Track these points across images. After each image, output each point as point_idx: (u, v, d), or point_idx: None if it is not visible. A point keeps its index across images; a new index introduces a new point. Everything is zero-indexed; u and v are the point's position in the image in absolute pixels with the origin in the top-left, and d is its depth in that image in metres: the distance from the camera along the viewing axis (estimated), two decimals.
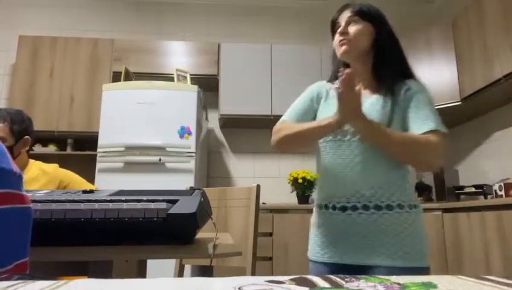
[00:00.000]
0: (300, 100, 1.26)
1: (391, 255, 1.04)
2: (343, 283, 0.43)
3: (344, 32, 1.15)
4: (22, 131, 1.69)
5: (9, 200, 0.60)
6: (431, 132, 1.05)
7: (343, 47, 1.15)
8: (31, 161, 1.79)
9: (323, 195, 1.17)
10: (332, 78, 1.26)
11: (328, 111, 1.14)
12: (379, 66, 1.16)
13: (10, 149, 1.64)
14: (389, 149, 1.06)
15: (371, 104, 1.11)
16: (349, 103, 0.99)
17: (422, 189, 3.24)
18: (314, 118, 1.21)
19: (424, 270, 1.05)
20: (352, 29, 1.15)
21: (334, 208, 1.12)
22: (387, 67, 1.15)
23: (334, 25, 1.21)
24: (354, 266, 1.08)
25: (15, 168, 0.63)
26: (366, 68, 1.17)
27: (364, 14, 1.16)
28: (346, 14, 1.17)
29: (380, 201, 1.07)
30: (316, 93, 1.24)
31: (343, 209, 1.10)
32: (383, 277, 0.46)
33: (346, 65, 1.20)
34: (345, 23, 1.16)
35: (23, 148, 1.72)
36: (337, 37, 1.17)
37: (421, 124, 1.06)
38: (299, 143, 1.19)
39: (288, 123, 1.21)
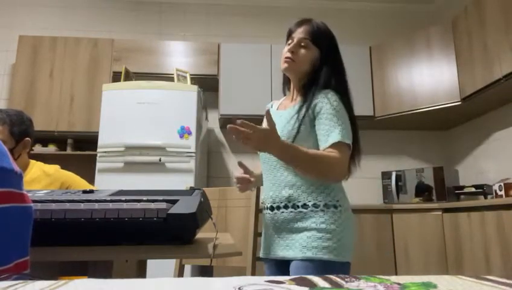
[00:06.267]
0: None
1: (304, 247, 1.14)
2: (343, 283, 0.43)
3: (293, 52, 1.26)
4: (22, 133, 1.68)
5: (10, 199, 0.60)
6: (334, 145, 1.14)
7: (285, 64, 1.27)
8: (32, 161, 1.79)
9: (261, 198, 1.32)
10: (285, 86, 1.41)
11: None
12: (310, 83, 1.27)
13: (10, 151, 1.64)
14: (299, 169, 1.17)
15: (285, 117, 1.25)
16: (253, 142, 1.08)
17: (422, 189, 3.24)
18: None
19: (344, 265, 1.14)
20: (300, 52, 1.26)
21: (266, 208, 1.26)
22: (316, 84, 1.26)
23: (289, 35, 1.31)
24: (278, 261, 1.22)
25: (16, 167, 0.64)
26: (299, 83, 1.30)
27: (316, 39, 1.26)
28: (301, 33, 1.27)
29: (297, 201, 1.19)
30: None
31: (271, 209, 1.24)
32: (383, 277, 0.46)
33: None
34: (297, 42, 1.26)
35: (24, 149, 1.71)
36: (285, 51, 1.28)
37: (325, 138, 1.17)
38: None
39: None
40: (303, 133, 1.19)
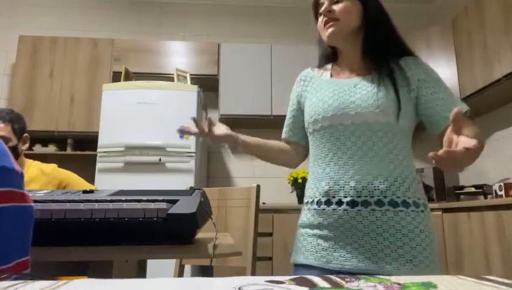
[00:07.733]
0: (289, 111, 1.17)
1: (409, 261, 0.88)
2: (343, 283, 0.43)
3: (329, 11, 1.01)
4: (21, 129, 1.69)
5: (11, 198, 0.60)
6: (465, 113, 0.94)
7: (330, 29, 1.01)
8: (29, 161, 1.79)
9: (326, 188, 0.96)
10: (321, 65, 1.15)
11: (315, 97, 1.03)
12: (371, 44, 1.02)
13: (15, 148, 1.64)
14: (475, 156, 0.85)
15: (367, 87, 0.97)
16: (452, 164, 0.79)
17: None
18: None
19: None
20: (338, 7, 1.00)
21: (339, 203, 0.93)
22: (380, 44, 1.02)
23: (316, 6, 1.07)
24: (357, 274, 0.94)
25: (17, 167, 0.64)
26: (356, 49, 1.05)
27: None
28: None
29: (396, 196, 0.91)
30: (300, 92, 1.13)
31: (353, 204, 0.92)
32: (383, 277, 0.46)
33: (334, 49, 1.10)
34: (329, 1, 1.02)
35: (24, 146, 1.72)
36: (322, 19, 1.03)
37: (451, 106, 0.93)
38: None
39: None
40: (404, 107, 0.95)
